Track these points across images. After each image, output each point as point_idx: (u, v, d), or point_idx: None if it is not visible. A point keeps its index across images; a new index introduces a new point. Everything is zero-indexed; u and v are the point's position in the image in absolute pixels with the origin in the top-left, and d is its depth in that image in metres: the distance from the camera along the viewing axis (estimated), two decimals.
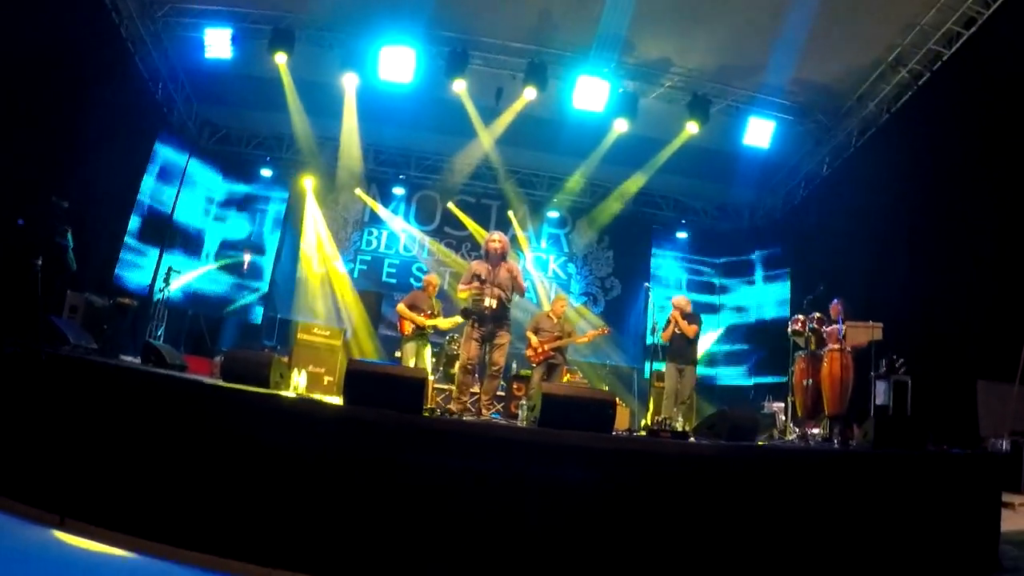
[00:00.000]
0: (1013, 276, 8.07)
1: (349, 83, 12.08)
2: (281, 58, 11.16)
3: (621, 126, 12.05)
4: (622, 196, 15.20)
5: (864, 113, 11.67)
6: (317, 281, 14.59)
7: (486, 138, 13.39)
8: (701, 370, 14.19)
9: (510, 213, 15.15)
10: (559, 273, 15.50)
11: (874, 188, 11.03)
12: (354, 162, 14.43)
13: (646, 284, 11.92)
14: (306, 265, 14.65)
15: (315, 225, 14.81)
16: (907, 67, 10.43)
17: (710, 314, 15.24)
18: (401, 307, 9.72)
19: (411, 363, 9.29)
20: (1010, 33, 8.58)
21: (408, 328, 9.56)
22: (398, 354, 10.01)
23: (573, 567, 4.62)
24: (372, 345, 13.51)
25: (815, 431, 8.03)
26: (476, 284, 7.49)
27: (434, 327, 9.81)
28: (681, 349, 9.57)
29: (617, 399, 6.53)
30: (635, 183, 14.69)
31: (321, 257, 14.71)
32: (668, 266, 15.66)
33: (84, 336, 7.01)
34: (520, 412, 8.58)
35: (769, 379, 13.16)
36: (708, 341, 14.90)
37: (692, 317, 9.75)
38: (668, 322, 9.76)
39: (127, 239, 12.23)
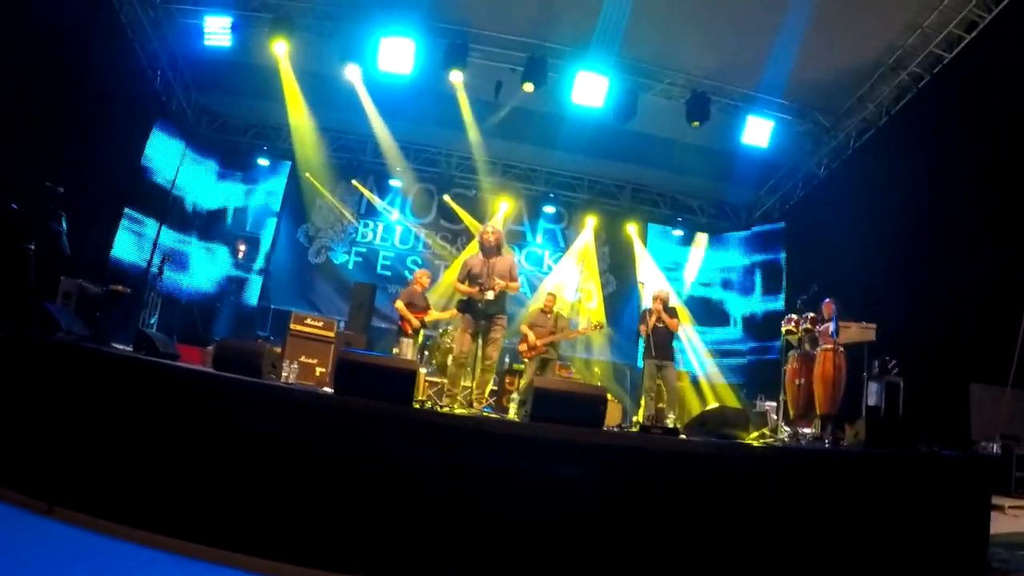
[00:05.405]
0: (1007, 280, 8.08)
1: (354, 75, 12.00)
2: (280, 46, 11.10)
3: (620, 122, 11.89)
4: (619, 192, 15.20)
5: (863, 114, 11.66)
6: (315, 270, 14.66)
7: (480, 132, 13.40)
8: (689, 366, 14.28)
9: (506, 207, 15.05)
10: (554, 268, 15.42)
11: (871, 190, 11.04)
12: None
13: (641, 281, 11.88)
14: (303, 254, 14.70)
15: (325, 212, 14.88)
16: (907, 69, 10.43)
17: (704, 308, 15.42)
18: (401, 306, 9.72)
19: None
20: (1011, 37, 8.58)
21: (410, 327, 9.64)
22: (395, 350, 9.98)
23: (564, 562, 4.61)
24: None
25: (807, 430, 8.01)
26: (475, 289, 7.53)
27: (432, 321, 9.85)
28: (662, 344, 9.13)
29: (609, 395, 6.52)
30: (633, 179, 14.67)
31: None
32: (663, 262, 15.64)
33: (76, 322, 6.96)
34: (511, 406, 8.60)
35: (761, 377, 13.19)
36: (701, 337, 15.02)
37: (673, 311, 9.42)
38: (648, 315, 9.24)
39: (123, 223, 12.25)
